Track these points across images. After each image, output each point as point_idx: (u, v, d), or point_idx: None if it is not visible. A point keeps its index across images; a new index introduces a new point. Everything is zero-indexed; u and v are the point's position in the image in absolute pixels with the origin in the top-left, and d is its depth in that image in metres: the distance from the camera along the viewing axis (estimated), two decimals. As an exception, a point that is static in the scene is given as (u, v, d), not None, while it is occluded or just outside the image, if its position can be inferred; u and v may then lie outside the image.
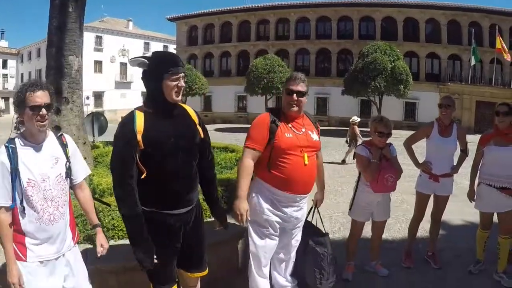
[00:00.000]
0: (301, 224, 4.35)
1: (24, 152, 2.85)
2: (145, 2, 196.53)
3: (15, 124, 2.99)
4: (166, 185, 3.23)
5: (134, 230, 3.17)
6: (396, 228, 7.41)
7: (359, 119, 16.84)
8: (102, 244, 3.32)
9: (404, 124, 37.03)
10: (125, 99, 59.22)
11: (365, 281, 5.28)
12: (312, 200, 4.64)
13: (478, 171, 5.38)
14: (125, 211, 3.15)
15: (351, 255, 5.39)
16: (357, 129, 16.17)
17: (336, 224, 7.58)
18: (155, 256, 3.18)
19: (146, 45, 66.26)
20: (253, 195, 4.06)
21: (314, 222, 4.65)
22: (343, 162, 15.74)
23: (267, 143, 3.91)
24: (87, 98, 44.30)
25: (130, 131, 3.10)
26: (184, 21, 50.24)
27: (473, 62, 36.06)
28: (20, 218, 2.86)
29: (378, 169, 4.81)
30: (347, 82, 32.58)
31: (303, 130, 4.07)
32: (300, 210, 4.20)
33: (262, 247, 4.15)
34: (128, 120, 3.18)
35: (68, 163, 3.09)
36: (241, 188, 3.90)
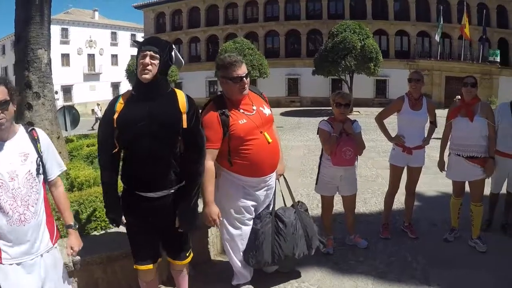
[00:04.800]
0: (272, 199, 4.38)
1: None
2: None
3: None
4: (134, 166, 3.32)
5: (104, 194, 3.53)
6: (372, 202, 7.63)
7: None
8: (72, 246, 3.14)
9: (376, 101, 37.45)
10: (95, 91, 58.15)
11: (346, 253, 5.42)
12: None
13: (448, 142, 5.61)
14: (101, 178, 3.51)
15: (328, 229, 5.59)
16: None
17: (314, 201, 7.66)
18: (123, 220, 3.48)
19: (113, 35, 65.03)
20: (224, 186, 4.02)
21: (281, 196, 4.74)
22: None
23: (222, 137, 3.81)
24: (56, 92, 43.33)
25: (110, 110, 3.30)
26: (151, 8, 49.54)
27: (437, 38, 37.11)
28: None
29: (337, 143, 4.95)
30: (317, 62, 32.60)
31: (254, 108, 3.99)
32: (270, 188, 4.28)
33: (238, 235, 4.17)
34: (112, 100, 3.40)
35: (39, 158, 2.91)
36: (208, 193, 3.79)
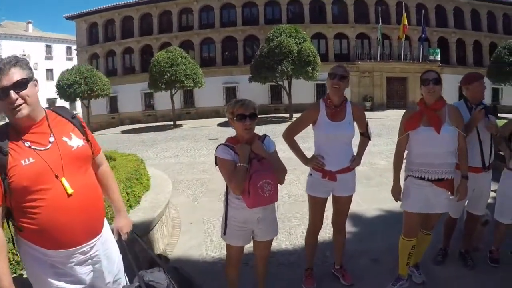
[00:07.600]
0: (115, 274, 2.86)
1: None
2: (45, 2, 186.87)
3: None
4: None
5: None
6: (298, 233, 6.08)
7: None
8: None
9: (318, 106, 36.82)
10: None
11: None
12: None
13: (404, 161, 4.27)
14: None
15: (233, 286, 4.03)
16: None
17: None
18: None
19: (48, 48, 62.95)
20: (28, 263, 2.57)
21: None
22: None
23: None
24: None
25: None
26: (83, 18, 46.97)
27: (378, 38, 38.45)
28: None
29: (248, 175, 3.35)
30: (253, 68, 31.69)
31: (51, 140, 2.52)
32: (99, 262, 2.72)
33: None
34: None
35: None
36: (2, 274, 2.30)
